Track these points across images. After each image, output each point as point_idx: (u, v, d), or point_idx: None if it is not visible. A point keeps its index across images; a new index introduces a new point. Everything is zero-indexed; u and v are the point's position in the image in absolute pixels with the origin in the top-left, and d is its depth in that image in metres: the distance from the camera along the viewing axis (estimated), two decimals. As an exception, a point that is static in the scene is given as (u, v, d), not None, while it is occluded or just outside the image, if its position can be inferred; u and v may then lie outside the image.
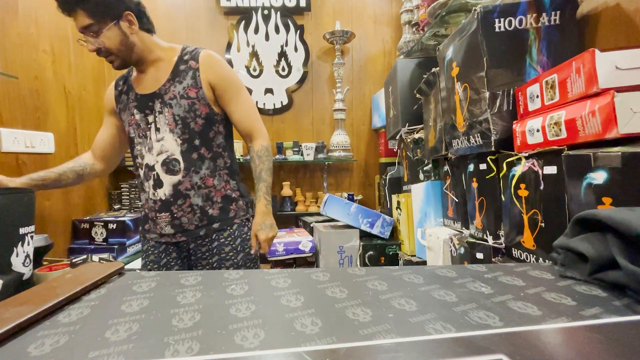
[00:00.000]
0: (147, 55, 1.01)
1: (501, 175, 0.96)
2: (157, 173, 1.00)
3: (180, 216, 1.01)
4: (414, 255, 1.66)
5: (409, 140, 1.71)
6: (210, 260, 1.05)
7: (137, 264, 1.79)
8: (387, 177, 2.04)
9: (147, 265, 1.08)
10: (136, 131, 1.02)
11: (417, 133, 1.67)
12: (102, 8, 0.90)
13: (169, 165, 0.99)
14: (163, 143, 0.99)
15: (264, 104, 2.49)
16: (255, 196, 1.08)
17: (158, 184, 1.00)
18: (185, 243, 1.05)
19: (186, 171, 0.99)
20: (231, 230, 1.06)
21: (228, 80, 1.03)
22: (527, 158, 0.85)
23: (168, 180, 0.99)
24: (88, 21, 0.90)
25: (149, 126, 1.01)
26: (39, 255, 0.80)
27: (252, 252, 1.07)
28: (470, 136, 1.06)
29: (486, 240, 1.04)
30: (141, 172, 1.04)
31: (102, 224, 1.83)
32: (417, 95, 1.60)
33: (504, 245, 0.98)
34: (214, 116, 1.03)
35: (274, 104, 2.50)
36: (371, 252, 1.81)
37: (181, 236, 1.03)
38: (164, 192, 1.00)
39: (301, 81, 2.52)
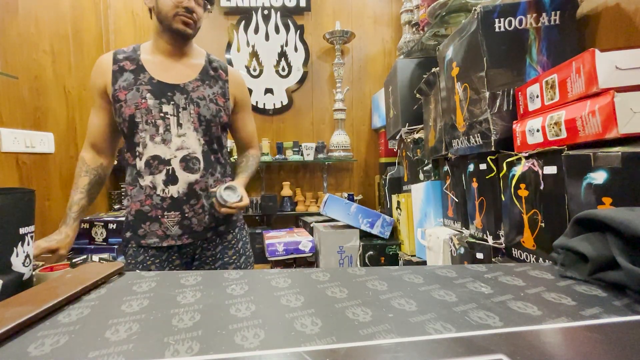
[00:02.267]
0: (190, 44, 1.05)
1: (501, 175, 0.96)
2: (172, 168, 0.95)
3: (191, 216, 0.97)
4: (414, 255, 1.66)
5: (409, 140, 1.71)
6: (214, 266, 1.04)
7: (137, 264, 1.79)
8: (387, 177, 2.04)
9: None
10: (144, 117, 0.94)
11: (417, 133, 1.67)
12: None
13: (189, 163, 0.96)
14: (185, 139, 0.96)
15: (264, 104, 2.49)
16: (237, 177, 1.09)
17: (172, 180, 0.95)
18: (192, 247, 1.01)
19: (204, 171, 0.98)
20: (234, 234, 1.07)
21: (247, 100, 1.14)
22: (527, 158, 0.85)
23: (184, 178, 0.95)
24: None
25: (163, 115, 0.95)
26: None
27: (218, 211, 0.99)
28: (470, 136, 1.06)
29: (486, 240, 1.04)
30: (140, 163, 0.95)
31: (102, 224, 1.83)
32: (417, 95, 1.60)
33: (504, 245, 0.98)
34: (227, 126, 1.08)
35: (274, 104, 2.50)
36: (371, 252, 1.81)
37: (188, 238, 0.98)
38: (177, 190, 0.95)
39: (301, 81, 2.52)
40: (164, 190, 0.95)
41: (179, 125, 0.96)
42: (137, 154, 0.95)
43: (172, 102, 0.96)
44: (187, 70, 1.01)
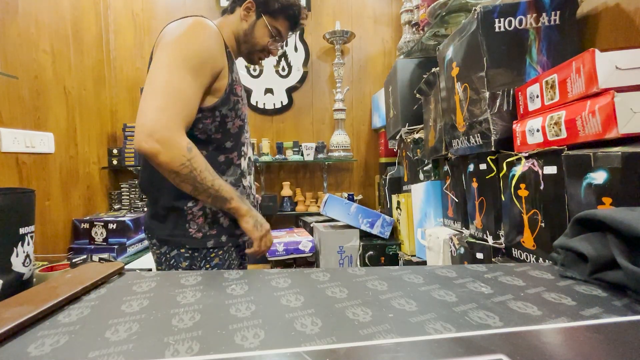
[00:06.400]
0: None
1: (501, 175, 0.96)
2: (253, 169, 0.99)
3: None
4: (414, 255, 1.66)
5: (409, 140, 1.71)
6: (245, 263, 1.06)
7: (137, 264, 1.79)
8: (387, 177, 2.04)
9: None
10: (245, 119, 0.91)
11: (417, 133, 1.67)
12: None
13: None
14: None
15: (264, 104, 2.49)
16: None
17: (251, 181, 0.98)
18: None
19: None
20: None
21: None
22: (527, 158, 0.85)
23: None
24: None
25: (246, 122, 0.94)
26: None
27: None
28: (470, 136, 1.06)
29: (486, 240, 1.04)
30: (244, 163, 0.93)
31: (102, 224, 1.83)
32: (417, 95, 1.60)
33: (504, 245, 0.98)
34: None
35: (274, 104, 2.50)
36: (371, 252, 1.81)
37: None
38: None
39: (301, 81, 2.52)
40: (251, 188, 0.97)
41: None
42: (243, 153, 0.91)
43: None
44: None
